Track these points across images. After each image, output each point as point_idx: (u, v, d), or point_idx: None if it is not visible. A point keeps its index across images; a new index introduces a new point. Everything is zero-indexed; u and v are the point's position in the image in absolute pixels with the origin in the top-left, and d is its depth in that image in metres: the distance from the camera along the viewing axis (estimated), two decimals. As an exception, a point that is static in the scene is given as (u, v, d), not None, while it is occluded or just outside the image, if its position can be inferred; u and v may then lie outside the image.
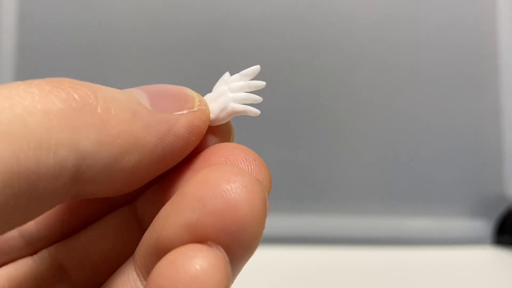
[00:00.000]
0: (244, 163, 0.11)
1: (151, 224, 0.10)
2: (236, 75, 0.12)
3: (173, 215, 0.09)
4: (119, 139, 0.09)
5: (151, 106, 0.11)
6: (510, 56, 0.37)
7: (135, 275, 0.11)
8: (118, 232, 0.13)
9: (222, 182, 0.09)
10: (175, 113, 0.11)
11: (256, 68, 0.12)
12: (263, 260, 0.34)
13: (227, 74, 0.13)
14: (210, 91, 0.13)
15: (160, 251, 0.10)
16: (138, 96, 0.11)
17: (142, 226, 0.12)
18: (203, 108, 0.11)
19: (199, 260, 0.09)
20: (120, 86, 0.37)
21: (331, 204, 0.37)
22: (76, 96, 0.09)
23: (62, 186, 0.09)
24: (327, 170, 0.37)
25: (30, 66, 0.36)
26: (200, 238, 0.09)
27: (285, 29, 0.37)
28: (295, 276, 0.32)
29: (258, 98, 0.12)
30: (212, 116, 0.12)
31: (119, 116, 0.09)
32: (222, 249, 0.09)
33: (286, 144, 0.37)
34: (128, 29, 0.37)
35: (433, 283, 0.31)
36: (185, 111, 0.11)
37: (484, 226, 0.37)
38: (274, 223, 0.37)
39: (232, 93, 0.12)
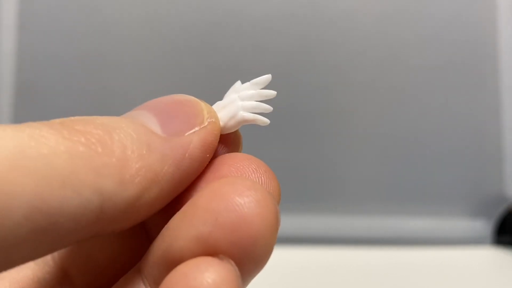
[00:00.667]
0: (254, 175, 0.11)
1: (160, 234, 0.10)
2: (247, 84, 0.12)
3: (184, 227, 0.10)
4: (138, 177, 0.09)
5: (162, 130, 0.10)
6: (510, 56, 0.37)
7: (141, 284, 0.11)
8: (124, 238, 0.12)
9: (235, 196, 0.09)
10: (186, 134, 0.11)
11: (267, 77, 0.12)
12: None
13: (238, 82, 0.13)
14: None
15: (170, 262, 0.10)
16: (148, 121, 0.11)
17: (148, 233, 0.12)
18: (213, 120, 0.11)
19: (211, 274, 0.09)
20: (120, 86, 0.37)
21: (331, 204, 0.37)
22: (93, 140, 0.09)
23: (83, 226, 0.09)
24: (327, 170, 0.37)
25: (30, 67, 0.36)
26: (211, 251, 0.09)
27: (286, 28, 0.37)
28: (295, 276, 0.32)
29: (268, 108, 0.12)
30: (221, 123, 0.12)
31: (135, 153, 0.09)
32: (233, 263, 0.09)
33: (286, 144, 0.37)
34: (129, 29, 0.37)
35: (433, 283, 0.31)
36: (197, 128, 0.11)
37: (484, 226, 0.37)
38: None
39: (241, 102, 0.12)
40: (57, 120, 0.09)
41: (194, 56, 0.37)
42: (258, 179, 0.11)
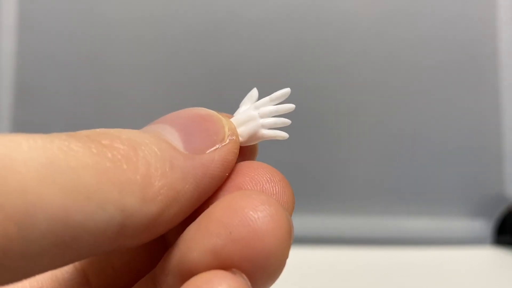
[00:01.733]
0: (269, 184, 0.11)
1: (176, 243, 0.10)
2: (266, 99, 0.12)
3: (198, 239, 0.10)
4: (160, 196, 0.09)
5: (184, 146, 0.10)
6: (510, 55, 0.37)
7: None
8: (141, 245, 0.13)
9: (249, 210, 0.09)
10: (208, 151, 0.11)
11: (286, 92, 0.12)
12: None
13: (255, 90, 0.13)
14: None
15: (183, 273, 0.10)
16: (170, 137, 0.11)
17: (164, 240, 0.13)
18: (234, 138, 0.11)
19: None
20: (120, 87, 0.37)
21: (332, 204, 0.37)
22: (119, 156, 0.09)
23: (104, 241, 0.09)
24: (327, 170, 0.37)
25: (30, 67, 0.36)
26: (224, 264, 0.09)
27: (286, 28, 0.37)
28: (295, 276, 0.32)
29: (287, 121, 0.12)
30: (241, 139, 0.12)
31: (158, 171, 0.10)
32: (245, 277, 0.09)
33: (286, 144, 0.37)
34: (129, 30, 0.36)
35: (433, 283, 0.31)
36: (218, 146, 0.11)
37: (484, 226, 0.37)
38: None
39: (262, 120, 0.12)
40: (83, 133, 0.09)
41: (194, 57, 0.37)
42: (272, 189, 0.11)
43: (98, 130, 0.10)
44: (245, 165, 0.11)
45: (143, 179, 0.09)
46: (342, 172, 0.37)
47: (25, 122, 0.36)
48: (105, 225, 0.08)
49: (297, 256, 0.35)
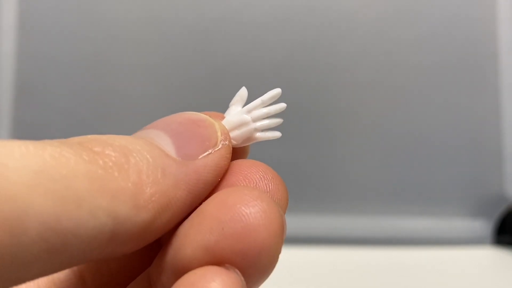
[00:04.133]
0: (262, 182, 0.11)
1: (169, 241, 0.10)
2: (258, 101, 0.12)
3: (191, 235, 0.10)
4: (152, 203, 0.09)
5: (177, 152, 0.10)
6: (510, 57, 0.37)
7: None
8: (133, 251, 0.13)
9: (242, 206, 0.09)
10: (200, 157, 0.11)
11: (276, 93, 0.12)
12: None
13: (244, 90, 0.13)
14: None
15: (177, 270, 0.10)
16: (162, 143, 0.10)
17: (159, 239, 0.13)
18: (227, 143, 0.11)
19: (217, 284, 0.09)
20: (119, 87, 0.37)
21: (331, 204, 0.37)
22: (111, 163, 0.09)
23: (95, 248, 0.09)
24: (327, 170, 0.37)
25: (30, 68, 0.36)
26: (217, 260, 0.09)
27: (285, 28, 0.37)
28: (295, 275, 0.32)
29: (279, 121, 0.12)
30: (234, 142, 0.12)
31: (150, 178, 0.10)
32: (239, 272, 0.09)
33: (286, 144, 0.37)
34: (128, 30, 0.37)
35: (433, 283, 0.31)
36: (210, 151, 0.11)
37: (484, 226, 0.37)
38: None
39: (254, 124, 0.12)
40: (75, 140, 0.09)
41: (193, 57, 0.37)
42: (266, 186, 0.11)
43: (90, 136, 0.10)
44: (238, 163, 0.11)
45: (135, 186, 0.09)
46: (342, 172, 0.37)
47: (25, 122, 0.36)
48: (96, 232, 0.08)
49: (297, 256, 0.35)
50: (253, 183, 0.11)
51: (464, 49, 0.37)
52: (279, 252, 0.10)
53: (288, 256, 0.35)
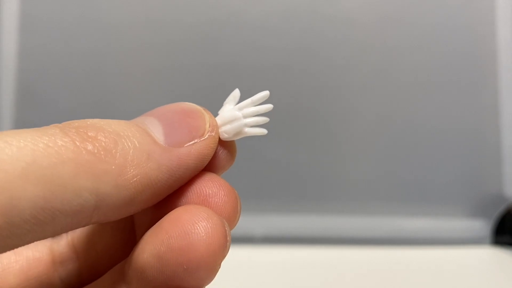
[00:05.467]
0: (214, 198, 0.12)
1: (137, 243, 0.12)
2: (248, 101, 0.14)
3: (149, 243, 0.11)
4: (133, 183, 0.11)
5: (165, 139, 0.12)
6: (508, 57, 0.37)
7: (122, 282, 0.13)
8: (117, 230, 0.15)
9: (189, 225, 0.11)
10: (186, 145, 0.12)
11: (265, 94, 0.14)
12: (264, 260, 0.34)
13: (237, 91, 0.14)
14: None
15: (137, 269, 0.12)
16: (154, 129, 0.12)
17: (135, 231, 0.14)
18: (213, 134, 0.13)
19: None
20: (120, 87, 0.37)
21: (331, 204, 0.38)
22: (100, 148, 0.11)
23: (81, 219, 0.10)
24: (327, 170, 0.37)
25: (31, 68, 0.37)
26: (164, 266, 0.11)
27: (285, 30, 0.37)
28: (295, 275, 0.32)
29: (266, 120, 0.14)
30: (226, 135, 0.13)
31: (135, 161, 0.11)
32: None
33: (286, 144, 0.37)
34: (129, 30, 0.37)
35: (433, 283, 0.32)
36: (196, 140, 0.12)
37: (483, 226, 0.37)
38: (274, 223, 0.37)
39: (245, 119, 0.14)
40: (74, 124, 0.11)
41: (193, 56, 0.37)
42: (217, 202, 0.12)
43: (90, 121, 0.11)
44: (198, 177, 0.13)
45: (119, 168, 0.11)
46: (342, 172, 0.38)
47: (26, 122, 0.36)
48: (80, 208, 0.10)
49: (297, 256, 0.35)
50: (205, 198, 0.12)
51: (463, 50, 0.37)
52: (217, 267, 0.11)
53: (288, 256, 0.35)
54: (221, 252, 0.11)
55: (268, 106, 0.14)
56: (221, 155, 0.14)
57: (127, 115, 0.40)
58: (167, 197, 0.12)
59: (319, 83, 0.37)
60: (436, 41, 0.37)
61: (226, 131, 0.13)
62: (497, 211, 0.37)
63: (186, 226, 0.11)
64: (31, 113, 0.36)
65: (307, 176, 0.37)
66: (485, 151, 0.37)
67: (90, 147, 0.10)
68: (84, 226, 0.11)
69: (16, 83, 0.37)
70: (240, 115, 0.14)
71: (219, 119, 0.13)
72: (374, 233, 0.37)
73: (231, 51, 0.37)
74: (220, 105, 0.14)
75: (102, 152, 0.10)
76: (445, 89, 0.37)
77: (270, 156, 0.36)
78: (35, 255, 0.14)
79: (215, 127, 0.13)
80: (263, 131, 0.14)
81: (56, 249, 0.15)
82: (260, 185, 0.37)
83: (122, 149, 0.11)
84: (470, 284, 0.32)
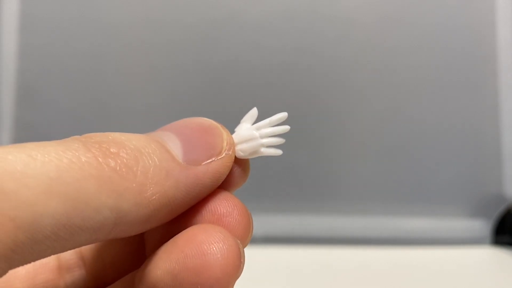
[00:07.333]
0: (227, 218, 0.12)
1: (150, 257, 0.12)
2: (266, 121, 0.14)
3: (163, 260, 0.11)
4: (153, 201, 0.11)
5: (183, 157, 0.12)
6: (508, 57, 0.37)
7: None
8: (126, 242, 0.15)
9: (205, 245, 0.11)
10: (203, 163, 0.12)
11: (283, 116, 0.14)
12: (264, 260, 0.34)
13: (255, 110, 0.14)
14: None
15: (148, 285, 0.11)
16: (173, 147, 0.12)
17: (146, 245, 0.14)
18: (230, 153, 0.13)
19: None
20: (121, 87, 0.37)
21: (331, 204, 0.38)
22: (122, 165, 0.10)
23: (100, 235, 0.10)
24: (327, 171, 0.37)
25: (31, 68, 0.37)
26: (178, 285, 0.11)
27: (285, 32, 0.37)
28: (295, 275, 0.32)
29: (282, 141, 0.14)
30: (241, 154, 0.13)
31: (154, 179, 0.11)
32: None
33: (286, 144, 0.37)
34: (129, 31, 0.37)
35: (433, 283, 0.32)
36: (214, 159, 0.12)
37: (483, 226, 0.37)
38: (274, 223, 0.37)
39: (261, 140, 0.14)
40: (97, 138, 0.11)
41: (193, 56, 0.37)
42: (231, 222, 0.12)
43: (110, 135, 0.11)
44: (212, 196, 0.13)
45: (139, 186, 0.11)
46: (342, 172, 0.38)
47: (26, 122, 0.36)
48: (99, 225, 0.10)
49: (297, 256, 0.35)
50: (219, 217, 0.12)
51: (463, 50, 0.37)
52: (231, 287, 0.11)
53: (289, 256, 0.35)
54: (235, 274, 0.11)
55: (285, 127, 0.14)
56: (235, 173, 0.14)
57: (127, 115, 0.41)
58: (180, 214, 0.12)
59: (319, 83, 0.37)
60: (436, 41, 0.37)
61: (242, 150, 0.13)
62: (497, 211, 0.37)
63: (203, 246, 0.11)
64: (31, 113, 0.37)
65: (307, 176, 0.37)
66: (485, 151, 0.37)
67: (112, 163, 0.10)
68: (101, 241, 0.11)
69: (16, 83, 0.37)
70: (257, 135, 0.14)
71: (235, 137, 0.14)
72: (374, 233, 0.37)
73: (231, 51, 0.37)
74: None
75: (123, 169, 0.10)
76: (445, 89, 0.37)
77: (270, 156, 0.36)
78: (41, 261, 0.14)
79: (232, 145, 0.13)
80: (278, 152, 0.14)
81: (63, 255, 0.15)
82: (260, 185, 0.37)
83: (143, 166, 0.11)
84: (470, 284, 0.32)
